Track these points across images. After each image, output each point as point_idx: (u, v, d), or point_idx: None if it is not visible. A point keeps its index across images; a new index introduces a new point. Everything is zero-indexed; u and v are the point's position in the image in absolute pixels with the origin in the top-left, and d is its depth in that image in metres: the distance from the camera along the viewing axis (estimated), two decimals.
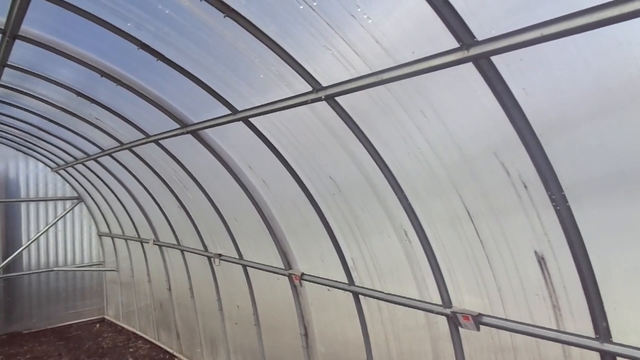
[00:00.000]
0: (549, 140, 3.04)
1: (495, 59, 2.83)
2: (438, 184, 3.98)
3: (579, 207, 3.19)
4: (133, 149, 8.02)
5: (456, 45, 2.86)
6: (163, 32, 4.22)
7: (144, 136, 7.17)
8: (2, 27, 5.05)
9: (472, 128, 3.42)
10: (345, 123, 4.15)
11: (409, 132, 3.80)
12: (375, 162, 4.27)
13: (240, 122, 5.07)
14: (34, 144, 11.69)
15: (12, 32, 5.07)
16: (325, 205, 5.38)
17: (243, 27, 3.62)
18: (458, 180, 3.81)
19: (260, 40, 3.74)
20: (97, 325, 13.72)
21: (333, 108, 4.08)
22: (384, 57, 3.31)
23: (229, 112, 5.07)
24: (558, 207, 3.23)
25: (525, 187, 3.38)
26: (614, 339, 3.31)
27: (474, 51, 2.77)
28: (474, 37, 2.77)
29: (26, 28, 5.05)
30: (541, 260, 3.61)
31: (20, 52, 5.75)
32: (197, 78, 4.79)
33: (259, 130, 5.11)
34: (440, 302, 4.54)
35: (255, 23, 3.60)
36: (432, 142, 3.73)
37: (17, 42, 5.35)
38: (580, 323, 3.50)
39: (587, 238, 3.25)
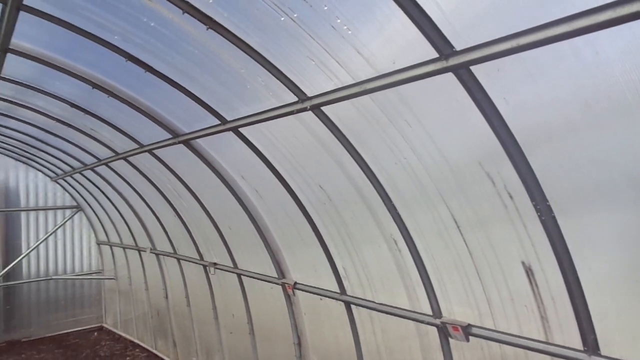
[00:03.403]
0: (532, 150, 3.01)
1: (474, 68, 2.81)
2: (425, 194, 3.95)
3: (565, 218, 3.15)
4: (128, 158, 8.03)
5: (435, 55, 2.84)
6: (149, 44, 4.22)
7: (137, 146, 7.17)
8: None
9: (457, 137, 3.39)
10: (333, 133, 4.13)
11: (395, 141, 3.78)
12: (364, 172, 4.25)
13: (230, 132, 5.06)
14: (33, 154, 11.72)
15: (3, 46, 5.08)
16: (316, 215, 5.35)
17: (226, 38, 3.62)
18: (445, 190, 3.78)
19: (244, 52, 3.73)
20: (95, 333, 13.70)
21: (319, 118, 4.06)
22: (366, 67, 3.29)
23: (218, 122, 5.06)
24: (543, 218, 3.19)
25: (511, 197, 3.35)
26: (602, 352, 3.26)
27: (453, 61, 2.75)
28: (452, 47, 2.75)
29: (17, 42, 5.07)
30: (529, 271, 3.57)
31: (13, 66, 5.78)
32: (185, 89, 4.79)
33: (249, 140, 5.10)
34: (430, 313, 4.49)
35: (238, 34, 3.60)
36: (417, 152, 3.71)
37: (10, 55, 5.37)
38: (569, 335, 3.45)
39: (573, 249, 3.21)
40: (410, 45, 2.90)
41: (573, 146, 2.85)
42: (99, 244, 14.06)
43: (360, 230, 4.91)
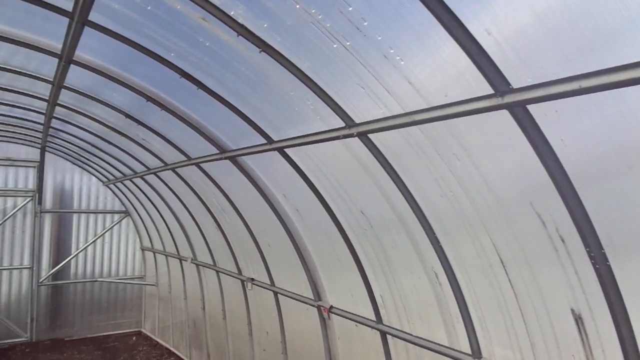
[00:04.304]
0: (586, 192, 2.86)
1: (532, 107, 2.70)
2: (471, 228, 3.82)
3: (620, 266, 2.96)
4: (176, 169, 8.23)
5: (490, 90, 2.75)
6: (203, 62, 4.32)
7: (185, 158, 7.34)
8: (59, 52, 5.34)
9: (507, 174, 3.27)
10: (378, 160, 4.08)
11: (441, 173, 3.68)
12: (407, 201, 4.16)
13: (276, 151, 5.09)
14: (88, 159, 12.23)
15: (68, 57, 5.34)
16: (356, 240, 5.28)
17: (278, 61, 3.65)
18: (491, 226, 3.64)
19: (295, 75, 3.75)
20: (134, 337, 13.98)
21: (365, 145, 4.02)
22: (415, 97, 3.23)
23: (264, 141, 5.11)
24: (597, 266, 3.01)
25: (563, 240, 3.18)
26: None
27: (509, 99, 2.66)
28: (508, 83, 2.66)
29: (80, 54, 5.32)
30: (578, 320, 3.37)
31: (75, 76, 6.06)
32: (234, 107, 4.87)
33: (293, 161, 5.11)
34: (469, 352, 4.32)
35: (290, 58, 3.62)
36: (465, 185, 3.60)
37: (72, 66, 5.63)
38: None
39: (628, 300, 3.01)
40: (461, 77, 2.82)
41: (632, 190, 2.68)
42: (143, 249, 14.44)
43: (400, 259, 4.80)
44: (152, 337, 13.74)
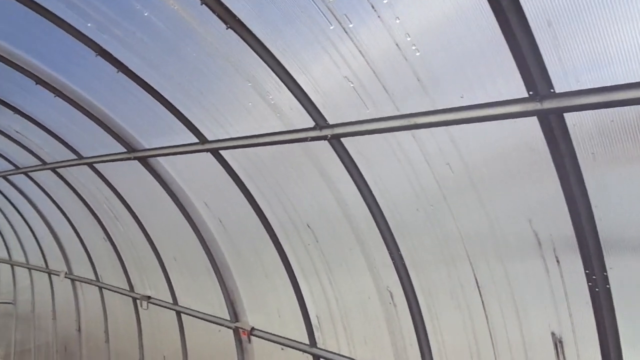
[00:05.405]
0: None
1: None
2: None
3: None
4: (58, 169, 6.94)
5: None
6: (134, 38, 3.48)
7: (75, 157, 6.17)
8: None
9: None
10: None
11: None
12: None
13: (208, 153, 4.37)
14: None
15: None
16: (292, 252, 4.75)
17: (247, 42, 3.02)
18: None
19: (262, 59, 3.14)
20: None
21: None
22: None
23: (196, 140, 4.36)
24: None
25: None
26: None
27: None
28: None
29: None
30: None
31: None
32: (163, 97, 4.05)
33: (228, 165, 4.43)
34: None
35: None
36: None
37: None
38: None
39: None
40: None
41: None
42: None
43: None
44: None
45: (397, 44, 2.49)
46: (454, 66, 2.47)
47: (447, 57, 2.45)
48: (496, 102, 2.45)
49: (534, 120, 2.42)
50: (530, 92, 2.29)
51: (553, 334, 3.25)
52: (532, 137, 2.49)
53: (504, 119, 2.47)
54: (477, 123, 2.61)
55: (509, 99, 2.41)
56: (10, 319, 11.73)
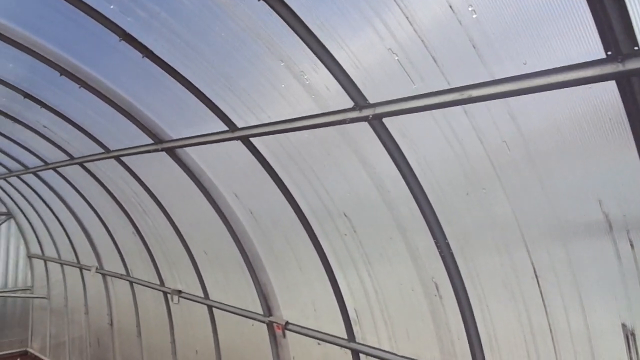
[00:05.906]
0: None
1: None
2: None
3: None
4: (85, 164, 6.85)
5: None
6: (158, 19, 3.28)
7: (103, 150, 6.06)
8: None
9: None
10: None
11: None
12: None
13: (239, 141, 4.16)
14: None
15: None
16: (328, 244, 4.53)
17: (280, 15, 2.78)
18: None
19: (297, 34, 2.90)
20: (18, 359, 11.96)
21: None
22: None
23: (225, 128, 4.15)
24: None
25: None
26: None
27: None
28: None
29: None
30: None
31: None
32: (192, 84, 3.85)
33: (258, 151, 4.21)
34: None
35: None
36: None
37: None
38: None
39: None
40: None
41: None
42: (30, 257, 12.38)
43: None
44: (42, 357, 11.80)
45: (450, 5, 2.21)
46: (516, 27, 2.18)
47: (507, 17, 2.17)
48: (565, 66, 2.16)
49: (610, 86, 2.12)
50: (609, 52, 1.99)
51: (624, 325, 2.95)
52: (607, 105, 2.19)
53: (574, 85, 2.18)
54: (541, 92, 2.32)
55: (580, 62, 2.12)
56: (45, 313, 11.86)
